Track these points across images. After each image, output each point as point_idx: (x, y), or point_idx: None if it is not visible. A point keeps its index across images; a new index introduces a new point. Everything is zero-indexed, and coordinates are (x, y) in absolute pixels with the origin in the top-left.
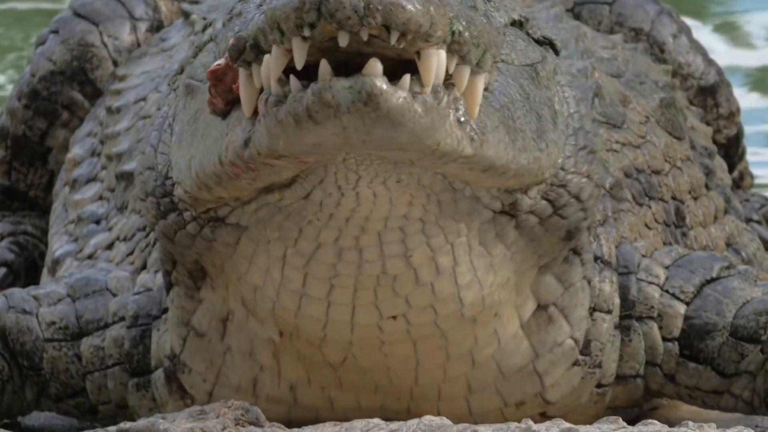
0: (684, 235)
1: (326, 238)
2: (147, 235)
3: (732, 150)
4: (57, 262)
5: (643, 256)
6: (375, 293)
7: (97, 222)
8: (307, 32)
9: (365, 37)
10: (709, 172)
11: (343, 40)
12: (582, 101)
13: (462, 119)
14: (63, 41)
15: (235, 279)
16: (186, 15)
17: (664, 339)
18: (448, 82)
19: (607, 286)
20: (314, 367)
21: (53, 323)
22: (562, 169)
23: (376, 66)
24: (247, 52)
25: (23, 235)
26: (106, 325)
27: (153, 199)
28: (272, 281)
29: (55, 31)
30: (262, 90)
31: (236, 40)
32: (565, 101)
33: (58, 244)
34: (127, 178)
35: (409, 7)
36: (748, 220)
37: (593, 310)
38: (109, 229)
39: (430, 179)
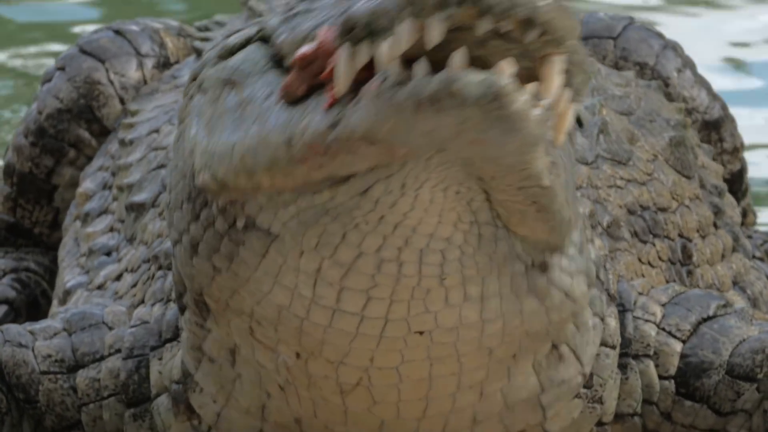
0: (690, 273)
1: (369, 246)
2: (150, 268)
3: (735, 186)
4: (68, 293)
5: (640, 293)
6: (408, 307)
7: (108, 254)
8: (454, 9)
9: (509, 27)
10: (718, 211)
11: (483, 28)
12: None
13: (549, 149)
14: (69, 79)
15: (243, 311)
16: (198, 52)
17: (661, 377)
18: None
19: (613, 321)
20: (323, 397)
21: (49, 356)
22: None
23: (509, 66)
24: (359, 30)
25: (25, 272)
26: (102, 358)
27: (188, 204)
28: (301, 299)
29: (62, 68)
30: (363, 75)
31: (348, 18)
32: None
33: (69, 276)
34: (137, 209)
35: (556, 5)
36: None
37: (600, 345)
38: (119, 261)
39: (479, 204)
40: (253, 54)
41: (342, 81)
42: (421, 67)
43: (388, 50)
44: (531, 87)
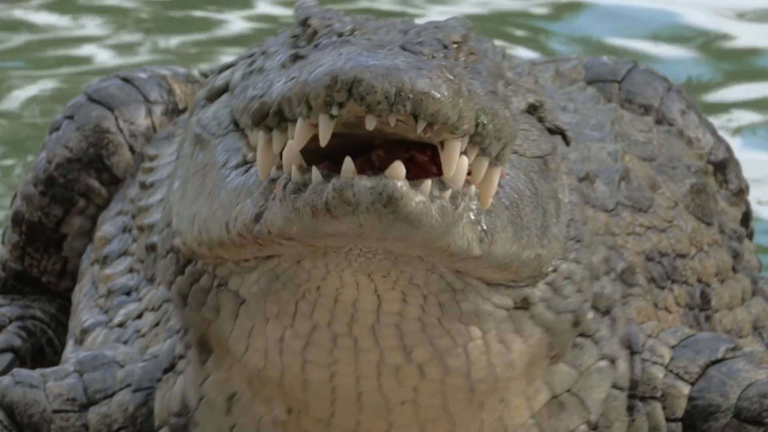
0: (708, 318)
1: (320, 319)
2: (171, 307)
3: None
4: (86, 332)
5: (649, 336)
6: (379, 382)
7: (128, 293)
8: (335, 111)
9: (393, 124)
10: (736, 255)
11: (370, 124)
12: (575, 190)
13: (473, 218)
14: (78, 128)
15: (239, 360)
16: None
17: (668, 419)
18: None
19: (623, 364)
20: None
21: (61, 395)
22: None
23: (399, 169)
24: (270, 118)
25: (31, 320)
26: (114, 393)
27: (173, 255)
28: (273, 364)
29: (70, 117)
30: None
31: (260, 105)
32: (565, 189)
33: (87, 315)
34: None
35: (440, 98)
36: None
37: (612, 387)
38: (139, 300)
39: (424, 278)
40: (220, 111)
41: (261, 168)
42: (315, 174)
43: (287, 155)
44: (426, 185)
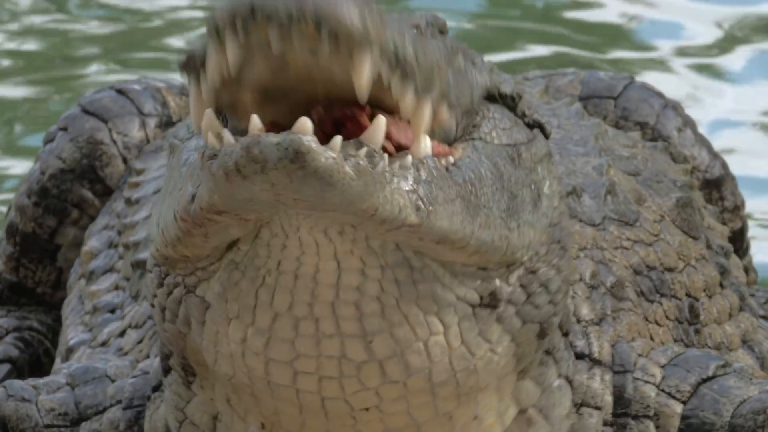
0: (698, 332)
1: (280, 304)
2: (155, 324)
3: (737, 244)
4: (71, 350)
5: (640, 355)
6: (341, 384)
7: (112, 311)
8: (239, 27)
9: (297, 43)
10: (724, 271)
11: (276, 45)
12: (563, 199)
13: (407, 186)
14: (72, 139)
15: (213, 372)
16: None
17: None
18: (398, 146)
19: (597, 383)
20: None
21: (53, 410)
22: (536, 254)
23: (306, 124)
24: (195, 60)
25: (28, 331)
26: (105, 409)
27: (157, 269)
28: (240, 369)
29: (64, 129)
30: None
31: (187, 56)
32: (555, 191)
33: (73, 333)
34: (142, 266)
35: (344, 10)
36: None
37: (580, 405)
38: (123, 318)
39: (380, 245)
40: (188, 119)
41: (193, 119)
42: (226, 136)
43: (205, 126)
44: (336, 141)
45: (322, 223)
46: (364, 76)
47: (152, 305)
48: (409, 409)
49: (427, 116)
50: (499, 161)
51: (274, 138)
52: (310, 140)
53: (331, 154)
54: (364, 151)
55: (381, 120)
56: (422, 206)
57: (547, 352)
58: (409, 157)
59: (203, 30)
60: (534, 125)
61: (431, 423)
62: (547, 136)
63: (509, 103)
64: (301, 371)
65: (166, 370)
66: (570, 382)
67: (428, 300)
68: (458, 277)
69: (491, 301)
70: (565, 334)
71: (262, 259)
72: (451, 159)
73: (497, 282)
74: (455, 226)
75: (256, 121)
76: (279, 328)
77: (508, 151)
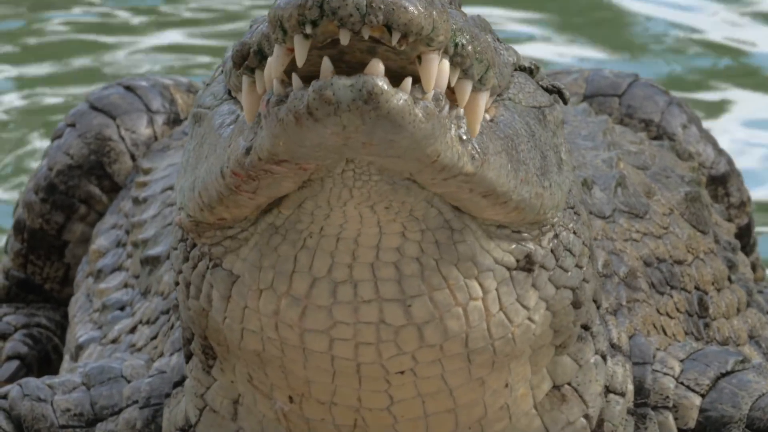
0: (707, 325)
1: (319, 267)
2: (169, 318)
3: (744, 240)
4: (80, 348)
5: (658, 349)
6: (378, 350)
7: (122, 308)
8: (308, 29)
9: (366, 36)
10: (732, 266)
11: (345, 38)
12: (572, 168)
13: (464, 136)
14: (80, 135)
15: (239, 354)
16: None
17: (680, 430)
18: (452, 100)
19: (620, 369)
20: None
21: (68, 410)
22: (559, 218)
23: (378, 66)
24: (251, 58)
25: (37, 328)
26: (120, 410)
27: (181, 244)
28: (271, 341)
29: (72, 125)
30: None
31: (240, 46)
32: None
33: (82, 331)
34: (152, 262)
35: (411, 8)
36: None
37: (607, 391)
38: (133, 314)
39: (424, 210)
40: (215, 87)
41: (247, 110)
42: (295, 80)
43: (267, 72)
44: (407, 82)
45: (370, 198)
46: (431, 74)
47: (176, 283)
48: (444, 374)
49: (483, 107)
50: (530, 120)
51: (347, 80)
52: (383, 82)
53: (403, 95)
54: (431, 94)
55: (445, 65)
56: (477, 156)
57: (585, 327)
58: (461, 110)
59: (249, 21)
60: (553, 90)
61: (464, 388)
62: (565, 102)
63: (528, 72)
64: (338, 338)
65: (188, 356)
66: (604, 358)
67: (468, 262)
68: (494, 239)
69: (527, 264)
70: (599, 307)
71: (304, 224)
72: (488, 116)
73: (531, 245)
74: (502, 179)
75: (327, 64)
76: (317, 294)
77: (535, 112)
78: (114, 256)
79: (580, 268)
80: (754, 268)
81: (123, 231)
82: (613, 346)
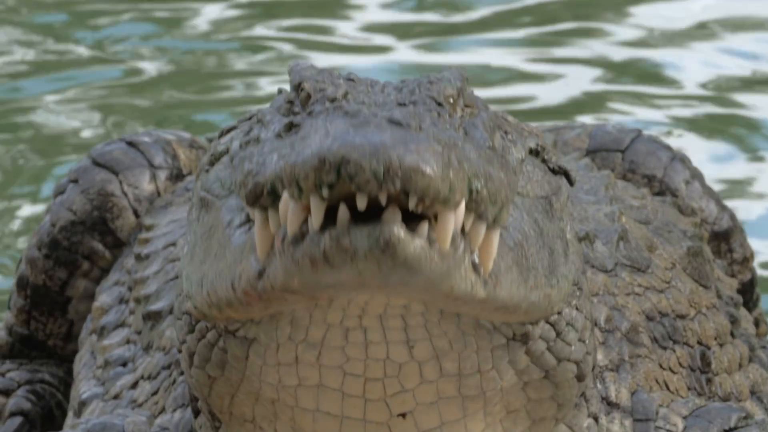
0: (709, 381)
1: (333, 318)
2: (171, 374)
3: (747, 296)
4: (83, 404)
5: (660, 406)
6: (384, 386)
7: (124, 364)
8: (325, 193)
9: (384, 202)
10: (734, 321)
11: (362, 203)
12: (578, 239)
13: (477, 265)
14: (83, 191)
15: (246, 417)
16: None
17: None
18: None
19: (616, 427)
20: None
21: None
22: None
23: (395, 214)
24: (264, 198)
25: (40, 384)
26: None
27: (186, 317)
28: (286, 389)
29: (75, 181)
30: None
31: (254, 186)
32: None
33: (85, 387)
34: (153, 317)
35: (429, 172)
36: None
37: None
38: (135, 370)
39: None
40: (222, 173)
41: (260, 246)
42: (312, 226)
43: (283, 210)
44: (423, 228)
45: (380, 306)
46: (447, 232)
47: (179, 350)
48: (442, 428)
49: (496, 245)
50: (537, 216)
51: (364, 229)
52: (400, 229)
53: (420, 242)
54: (447, 245)
55: (460, 210)
56: (489, 280)
57: (582, 394)
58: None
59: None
60: (559, 171)
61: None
62: (572, 183)
63: (535, 154)
64: (350, 373)
65: (196, 412)
66: (597, 419)
67: (468, 324)
68: (496, 327)
69: (522, 339)
70: (593, 368)
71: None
72: None
73: (529, 326)
74: (513, 292)
75: (344, 213)
76: (330, 337)
77: (542, 203)
78: (117, 313)
79: (583, 342)
80: (757, 323)
81: (125, 288)
82: (610, 404)
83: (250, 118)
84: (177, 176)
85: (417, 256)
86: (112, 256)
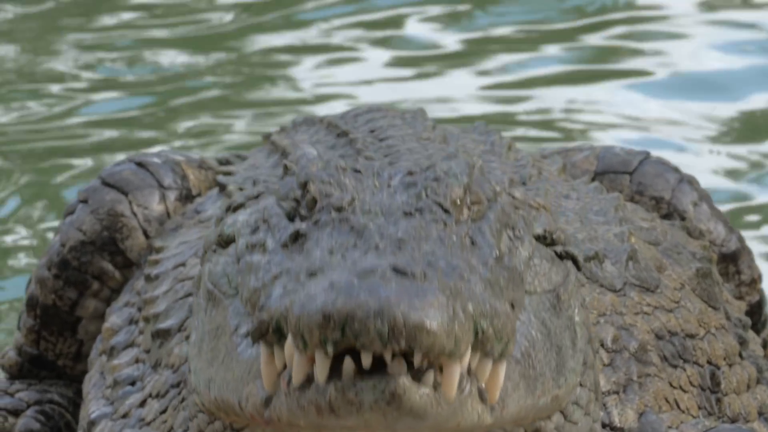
0: (719, 401)
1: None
2: (180, 392)
3: (755, 317)
4: (92, 424)
5: (669, 427)
6: None
7: (133, 383)
8: (330, 350)
9: (389, 359)
10: (743, 342)
11: (366, 360)
12: (584, 309)
13: (483, 391)
14: (92, 211)
15: None
16: (222, 187)
17: None
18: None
19: None
20: None
21: None
22: None
23: (401, 366)
24: (270, 335)
25: (49, 404)
26: None
27: (195, 396)
28: None
29: (84, 201)
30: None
31: (258, 324)
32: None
33: (95, 407)
34: (162, 335)
35: (434, 329)
36: None
37: None
38: (143, 388)
39: None
40: (228, 268)
41: (266, 380)
42: (318, 376)
43: (289, 353)
44: (429, 378)
45: None
46: (453, 384)
47: (190, 419)
48: None
49: (502, 377)
50: (545, 315)
51: (369, 382)
52: (405, 380)
53: (426, 390)
54: (454, 381)
55: (468, 353)
56: (496, 406)
57: None
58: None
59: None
60: (566, 257)
61: None
62: (579, 268)
63: (542, 241)
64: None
65: None
66: None
67: None
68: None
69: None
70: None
71: None
72: None
73: (541, 422)
74: (520, 407)
75: (349, 365)
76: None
77: (550, 298)
78: (126, 333)
79: (588, 414)
80: (764, 345)
81: (135, 308)
82: (613, 429)
83: (257, 196)
84: (186, 197)
85: (423, 404)
86: (122, 276)
